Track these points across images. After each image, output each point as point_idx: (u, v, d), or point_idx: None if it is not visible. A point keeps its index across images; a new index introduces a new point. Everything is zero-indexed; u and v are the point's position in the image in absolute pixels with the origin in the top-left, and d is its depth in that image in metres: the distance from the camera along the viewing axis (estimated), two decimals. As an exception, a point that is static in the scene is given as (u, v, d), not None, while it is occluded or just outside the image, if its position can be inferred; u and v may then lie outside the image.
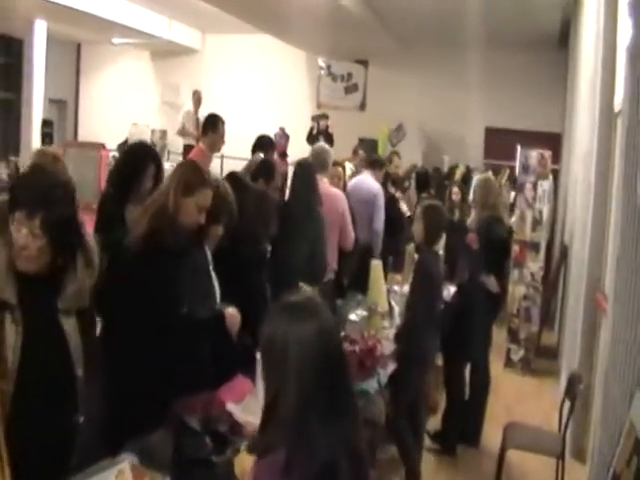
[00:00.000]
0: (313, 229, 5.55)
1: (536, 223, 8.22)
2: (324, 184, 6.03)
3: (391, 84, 14.45)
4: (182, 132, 13.04)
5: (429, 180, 9.87)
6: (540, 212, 8.22)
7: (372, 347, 4.32)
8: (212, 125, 6.98)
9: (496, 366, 7.62)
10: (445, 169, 12.61)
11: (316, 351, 1.91)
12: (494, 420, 6.59)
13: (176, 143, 14.50)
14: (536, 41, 12.80)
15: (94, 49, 17.36)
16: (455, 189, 8.98)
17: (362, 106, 15.00)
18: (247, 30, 14.03)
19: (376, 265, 5.63)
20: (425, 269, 4.96)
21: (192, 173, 3.70)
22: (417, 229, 5.11)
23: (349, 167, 8.93)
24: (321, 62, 15.04)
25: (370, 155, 7.99)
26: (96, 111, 17.13)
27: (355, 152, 9.86)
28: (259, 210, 4.44)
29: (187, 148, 11.85)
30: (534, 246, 8.23)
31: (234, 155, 11.31)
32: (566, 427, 4.68)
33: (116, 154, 14.04)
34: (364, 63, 14.95)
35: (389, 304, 5.84)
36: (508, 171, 10.83)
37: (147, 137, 14.44)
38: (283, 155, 13.66)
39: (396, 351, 5.00)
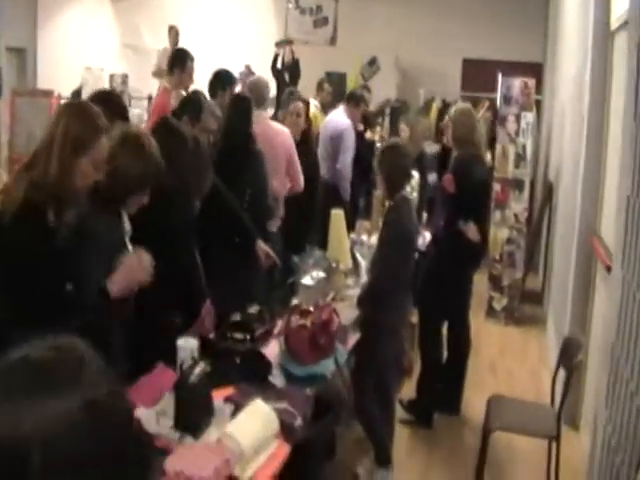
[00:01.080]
0: (251, 172, 4.72)
1: (519, 159, 7.33)
2: (263, 120, 5.28)
3: (363, 16, 13.35)
4: (158, 73, 11.67)
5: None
6: (524, 147, 7.33)
7: (327, 320, 3.45)
8: (179, 61, 6.24)
9: (477, 317, 6.83)
10: (421, 103, 11.61)
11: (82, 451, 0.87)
12: (476, 381, 5.82)
13: (139, 88, 13.48)
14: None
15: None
16: (402, 125, 7.92)
17: (332, 40, 13.90)
18: (209, -38, 13.02)
19: (336, 214, 4.74)
20: (395, 220, 4.09)
21: (80, 122, 2.66)
22: (378, 178, 4.25)
23: (314, 103, 7.99)
24: (288, -6, 13.92)
25: (335, 90, 7.01)
26: (55, 58, 15.90)
27: (320, 86, 8.85)
28: (192, 163, 3.55)
29: None
30: (517, 184, 7.35)
31: None
32: (562, 404, 3.84)
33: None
34: (334, -6, 13.84)
35: (354, 259, 4.98)
36: (487, 103, 9.85)
37: (103, 82, 13.31)
38: (249, 94, 12.66)
39: (359, 318, 4.16)
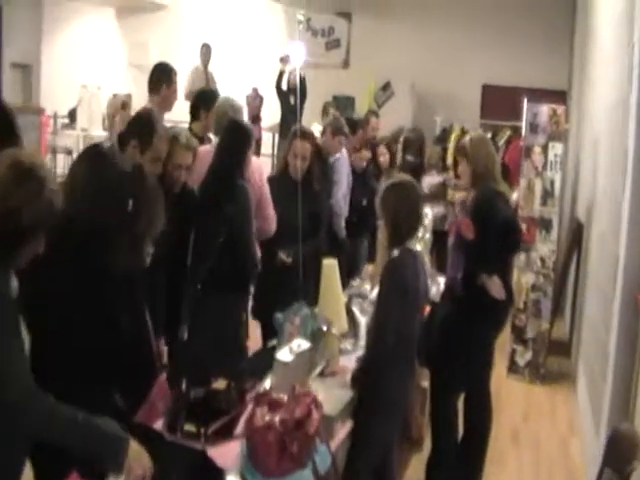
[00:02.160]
0: (232, 208, 3.95)
1: (547, 195, 6.39)
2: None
3: (377, 39, 12.52)
4: (190, 95, 10.86)
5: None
6: (551, 182, 6.39)
7: (303, 418, 2.53)
8: (166, 77, 5.32)
9: (498, 372, 5.85)
10: (437, 131, 10.72)
11: None
12: (497, 454, 4.88)
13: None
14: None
15: (57, 9, 15.38)
16: (382, 148, 6.96)
17: (345, 63, 13.07)
18: (219, -19, 12.31)
19: (328, 265, 3.80)
20: (394, 279, 3.19)
21: None
22: (381, 223, 3.37)
23: (318, 129, 7.11)
24: (299, 15, 13.07)
25: (337, 120, 6.10)
26: (58, 75, 15.16)
27: (325, 111, 7.96)
28: (134, 199, 2.67)
29: None
30: (544, 224, 6.41)
31: None
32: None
33: (65, 120, 12.28)
34: (347, 16, 12.98)
35: (351, 317, 4.07)
36: (509, 132, 8.95)
37: (99, 101, 12.52)
38: (256, 119, 11.81)
39: (353, 400, 3.24)
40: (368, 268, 5.33)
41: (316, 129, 6.70)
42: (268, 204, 4.70)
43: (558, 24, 11.43)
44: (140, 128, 3.49)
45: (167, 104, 5.38)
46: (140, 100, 13.26)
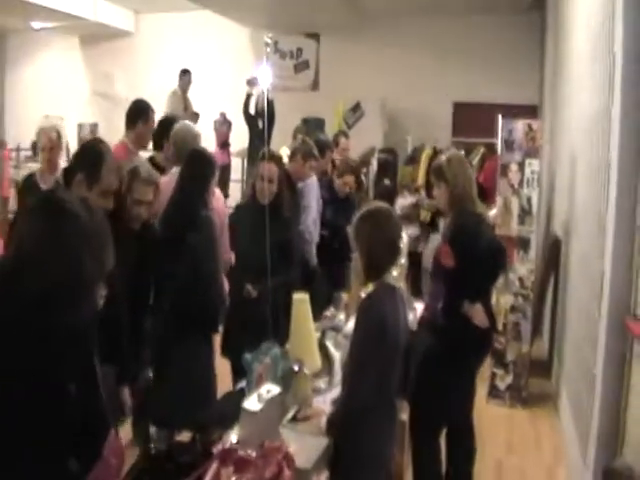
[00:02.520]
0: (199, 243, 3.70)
1: (524, 213, 6.18)
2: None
3: (346, 59, 12.37)
4: None
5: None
6: (529, 199, 6.18)
7: (273, 477, 2.26)
8: (143, 113, 5.21)
9: (478, 397, 5.59)
10: (409, 150, 10.53)
11: None
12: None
13: (109, 139, 12.43)
14: (505, 4, 10.87)
15: (19, 39, 15.08)
16: (348, 178, 6.36)
17: (314, 85, 12.90)
18: (184, 7, 12.15)
19: (298, 300, 3.54)
20: (372, 318, 2.92)
21: None
22: (355, 255, 3.11)
23: (286, 153, 6.88)
24: (267, 38, 12.88)
25: (306, 144, 5.88)
26: (22, 107, 14.90)
27: (295, 135, 7.73)
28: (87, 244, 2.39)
29: None
30: (522, 243, 6.20)
31: None
32: None
33: (28, 153, 11.95)
34: (315, 37, 12.81)
35: (325, 353, 3.81)
36: (483, 150, 8.77)
37: (61, 131, 12.18)
38: (224, 144, 11.58)
39: (329, 446, 2.97)
40: (341, 296, 5.08)
41: (284, 152, 6.48)
42: (227, 233, 4.53)
43: (527, 40, 11.34)
44: (87, 160, 3.22)
45: (143, 141, 5.24)
46: (105, 129, 13.08)
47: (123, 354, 3.46)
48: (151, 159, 5.07)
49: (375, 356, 2.84)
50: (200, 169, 4.19)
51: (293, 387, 3.28)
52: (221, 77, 13.22)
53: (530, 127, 6.16)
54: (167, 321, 3.93)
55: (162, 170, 4.80)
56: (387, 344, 2.87)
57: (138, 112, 5.23)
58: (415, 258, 8.47)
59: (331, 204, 6.26)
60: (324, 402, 3.39)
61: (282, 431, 2.90)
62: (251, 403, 2.76)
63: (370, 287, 3.03)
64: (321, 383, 3.69)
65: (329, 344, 3.86)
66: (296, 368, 3.33)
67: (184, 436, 2.85)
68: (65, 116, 13.11)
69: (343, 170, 6.42)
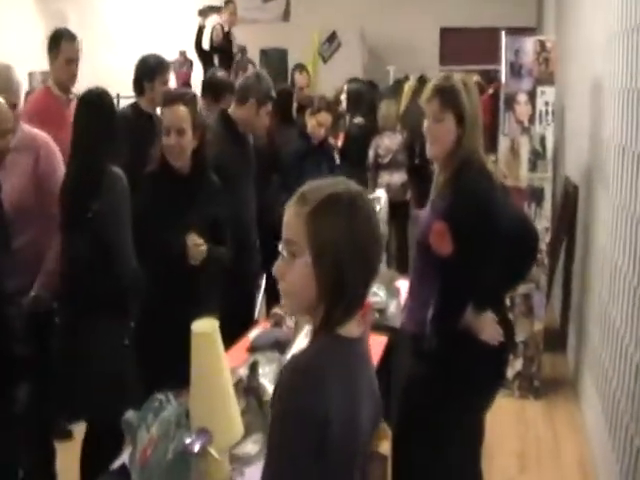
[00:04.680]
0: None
1: (536, 157, 4.70)
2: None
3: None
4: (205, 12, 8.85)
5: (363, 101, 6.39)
6: (542, 138, 4.70)
7: None
8: (54, 42, 4.23)
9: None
10: (390, 82, 8.95)
11: None
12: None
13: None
14: None
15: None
16: (323, 116, 4.88)
17: (285, 15, 11.23)
18: None
19: (201, 335, 2.03)
20: (297, 413, 1.39)
21: None
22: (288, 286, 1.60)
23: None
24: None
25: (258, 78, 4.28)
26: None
27: (241, 69, 6.05)
28: None
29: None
30: (535, 195, 4.72)
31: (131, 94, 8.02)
32: None
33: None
34: (286, -40, 11.14)
35: (259, 398, 2.39)
36: (476, 78, 7.19)
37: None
38: (187, 86, 9.98)
39: None
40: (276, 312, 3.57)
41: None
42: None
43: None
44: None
45: (65, 77, 4.25)
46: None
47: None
48: (133, 106, 4.54)
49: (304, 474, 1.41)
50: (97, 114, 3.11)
51: (197, 473, 1.89)
52: (182, 12, 11.53)
53: (543, 45, 4.63)
54: (71, 304, 3.09)
55: (149, 117, 4.39)
56: (329, 458, 1.42)
57: (50, 43, 4.25)
58: (401, 210, 7.03)
59: (307, 156, 4.84)
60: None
61: None
62: None
63: (312, 337, 1.56)
64: (249, 447, 2.28)
65: (264, 381, 2.43)
66: (197, 447, 1.91)
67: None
68: (14, 63, 11.44)
69: (318, 105, 4.95)
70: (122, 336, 3.07)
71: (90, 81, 3.85)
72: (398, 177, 6.98)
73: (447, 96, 2.61)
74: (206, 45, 8.23)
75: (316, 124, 4.89)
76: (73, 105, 4.10)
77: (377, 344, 3.36)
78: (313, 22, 10.28)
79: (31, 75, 12.15)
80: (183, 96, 3.20)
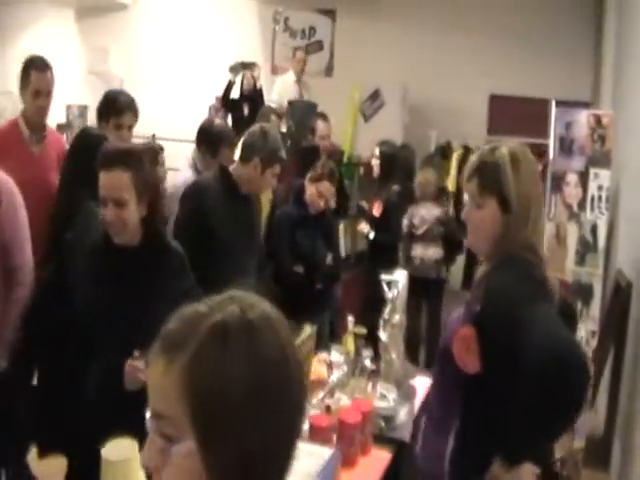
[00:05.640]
0: None
1: (586, 249, 4.04)
2: None
3: (365, 40, 10.18)
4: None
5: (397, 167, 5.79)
6: (593, 227, 4.04)
7: None
8: (25, 72, 3.96)
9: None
10: (432, 148, 8.35)
11: None
12: None
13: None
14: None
15: (12, 12, 13.23)
16: (324, 185, 4.32)
17: (329, 69, 10.77)
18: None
19: (112, 463, 1.39)
20: None
21: None
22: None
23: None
24: (276, 14, 10.82)
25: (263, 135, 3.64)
26: (12, 84, 13.03)
27: (264, 118, 5.48)
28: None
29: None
30: (582, 292, 4.06)
31: (167, 136, 7.74)
32: None
33: None
34: (330, 14, 10.62)
35: None
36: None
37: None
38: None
39: None
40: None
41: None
42: None
43: (580, 24, 9.18)
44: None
45: (35, 111, 3.97)
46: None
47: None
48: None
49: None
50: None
51: None
52: (225, 58, 11.17)
53: (598, 120, 4.00)
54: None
55: None
56: None
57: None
58: (434, 290, 6.39)
59: (302, 226, 4.26)
60: None
61: None
62: None
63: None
64: None
65: None
66: None
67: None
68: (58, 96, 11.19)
69: (321, 171, 4.34)
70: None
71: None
72: (433, 252, 6.35)
73: (488, 176, 2.01)
74: (236, 94, 7.80)
75: (316, 193, 4.30)
76: (50, 141, 3.80)
77: (377, 462, 2.73)
78: (356, 78, 9.77)
79: (69, 108, 11.97)
80: (123, 157, 2.56)
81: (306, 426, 2.70)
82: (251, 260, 3.68)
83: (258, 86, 7.67)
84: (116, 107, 3.85)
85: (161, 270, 2.58)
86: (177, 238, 2.94)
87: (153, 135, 9.25)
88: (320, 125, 5.46)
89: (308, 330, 2.58)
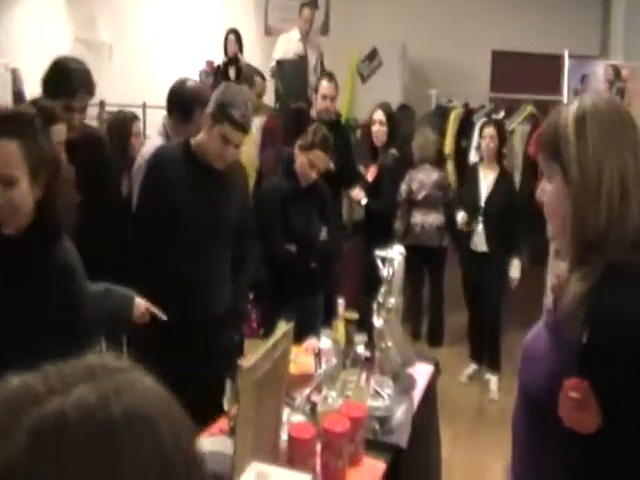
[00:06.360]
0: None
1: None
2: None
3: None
4: None
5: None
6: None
7: None
8: None
9: None
10: (432, 106, 7.84)
11: None
12: None
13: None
14: None
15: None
16: (317, 154, 3.87)
17: (324, 29, 10.22)
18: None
19: None
20: None
21: None
22: None
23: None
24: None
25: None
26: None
27: (249, 81, 5.01)
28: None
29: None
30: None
31: (158, 104, 7.32)
32: None
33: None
34: (325, -31, 10.14)
35: None
36: (530, 109, 6.06)
37: (6, 80, 9.82)
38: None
39: None
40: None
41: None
42: None
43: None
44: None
45: None
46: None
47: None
48: None
49: None
50: None
51: None
52: (216, 22, 10.66)
53: (617, 72, 3.53)
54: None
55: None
56: None
57: None
58: (436, 259, 5.99)
59: (293, 200, 3.83)
60: None
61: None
62: None
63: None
64: None
65: None
66: None
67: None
68: (37, 67, 10.72)
69: (312, 140, 3.86)
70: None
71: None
72: (434, 218, 5.92)
73: (548, 141, 1.54)
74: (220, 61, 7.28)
75: (307, 163, 3.84)
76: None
77: (369, 475, 2.34)
78: (353, 38, 9.27)
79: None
80: (13, 124, 2.00)
81: (284, 437, 2.31)
82: (222, 250, 3.19)
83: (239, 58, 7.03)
84: (69, 86, 3.34)
85: (43, 270, 2.04)
86: (135, 219, 2.51)
87: (144, 104, 8.82)
88: (324, 84, 4.93)
89: (283, 327, 2.17)
